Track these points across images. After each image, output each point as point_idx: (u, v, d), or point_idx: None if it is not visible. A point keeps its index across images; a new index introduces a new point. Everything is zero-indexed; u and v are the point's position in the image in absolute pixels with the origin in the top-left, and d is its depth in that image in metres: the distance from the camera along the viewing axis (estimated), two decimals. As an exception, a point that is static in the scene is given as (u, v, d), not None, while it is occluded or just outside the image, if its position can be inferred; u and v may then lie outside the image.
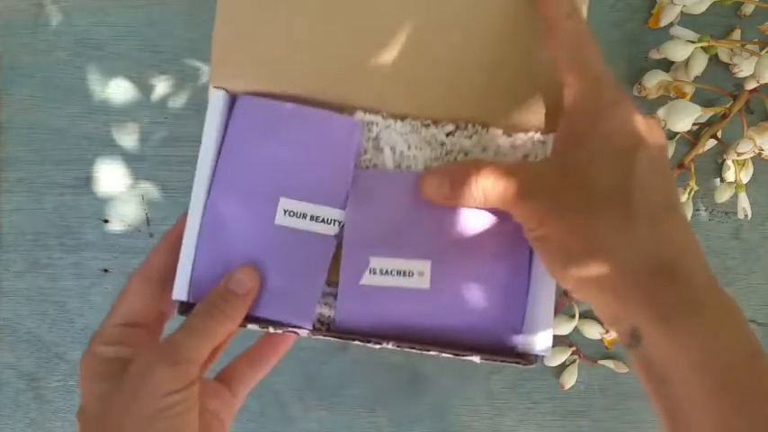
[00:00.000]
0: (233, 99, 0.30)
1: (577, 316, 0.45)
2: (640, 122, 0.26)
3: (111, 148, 0.47)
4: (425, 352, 0.28)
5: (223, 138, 0.29)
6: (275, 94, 0.29)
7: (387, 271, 0.28)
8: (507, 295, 0.29)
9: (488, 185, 0.27)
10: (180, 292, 0.28)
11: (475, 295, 0.29)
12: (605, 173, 0.25)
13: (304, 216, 0.28)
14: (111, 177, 0.47)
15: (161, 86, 0.47)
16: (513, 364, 0.28)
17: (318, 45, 0.29)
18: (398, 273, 0.29)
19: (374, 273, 0.28)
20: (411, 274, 0.28)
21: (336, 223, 0.29)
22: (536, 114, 0.30)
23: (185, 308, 0.28)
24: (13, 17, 0.47)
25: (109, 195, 0.47)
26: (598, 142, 0.25)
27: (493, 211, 0.29)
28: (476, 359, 0.28)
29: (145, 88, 0.47)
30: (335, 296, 0.29)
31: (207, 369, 0.33)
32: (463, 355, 0.28)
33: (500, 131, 0.30)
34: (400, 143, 0.30)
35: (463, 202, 0.28)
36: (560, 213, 0.25)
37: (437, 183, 0.28)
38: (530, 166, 0.27)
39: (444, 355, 0.28)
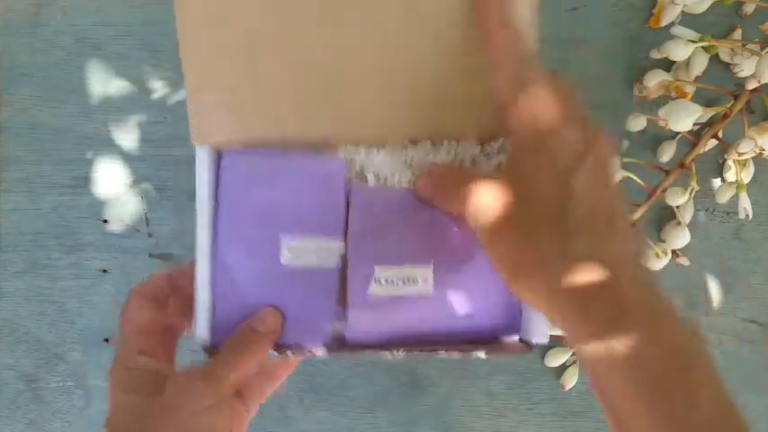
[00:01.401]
0: (219, 152, 0.31)
1: (578, 316, 0.45)
2: (578, 137, 0.26)
3: (111, 148, 0.47)
4: (434, 354, 0.29)
5: (216, 192, 0.31)
6: (256, 140, 0.30)
7: (391, 280, 0.30)
8: (504, 295, 0.30)
9: (452, 194, 0.28)
10: (202, 333, 0.30)
11: (473, 298, 0.30)
12: (545, 189, 0.25)
13: (307, 252, 0.30)
14: (110, 177, 0.47)
15: (160, 86, 0.47)
16: (517, 354, 0.30)
17: (288, 88, 0.29)
18: (403, 281, 0.30)
19: (380, 282, 0.30)
20: (415, 281, 0.30)
21: (337, 254, 0.30)
22: (503, 121, 0.29)
23: (211, 348, 0.31)
24: (13, 17, 0.47)
25: (108, 195, 0.47)
26: (539, 157, 0.26)
27: None
28: (481, 354, 0.29)
29: (144, 88, 0.47)
30: (345, 314, 0.30)
31: (261, 399, 0.34)
32: (470, 352, 0.29)
33: (473, 142, 0.31)
34: (384, 169, 0.30)
35: (441, 207, 0.29)
36: (507, 227, 0.26)
37: (423, 183, 0.30)
38: (483, 179, 0.27)
39: (453, 355, 0.29)
